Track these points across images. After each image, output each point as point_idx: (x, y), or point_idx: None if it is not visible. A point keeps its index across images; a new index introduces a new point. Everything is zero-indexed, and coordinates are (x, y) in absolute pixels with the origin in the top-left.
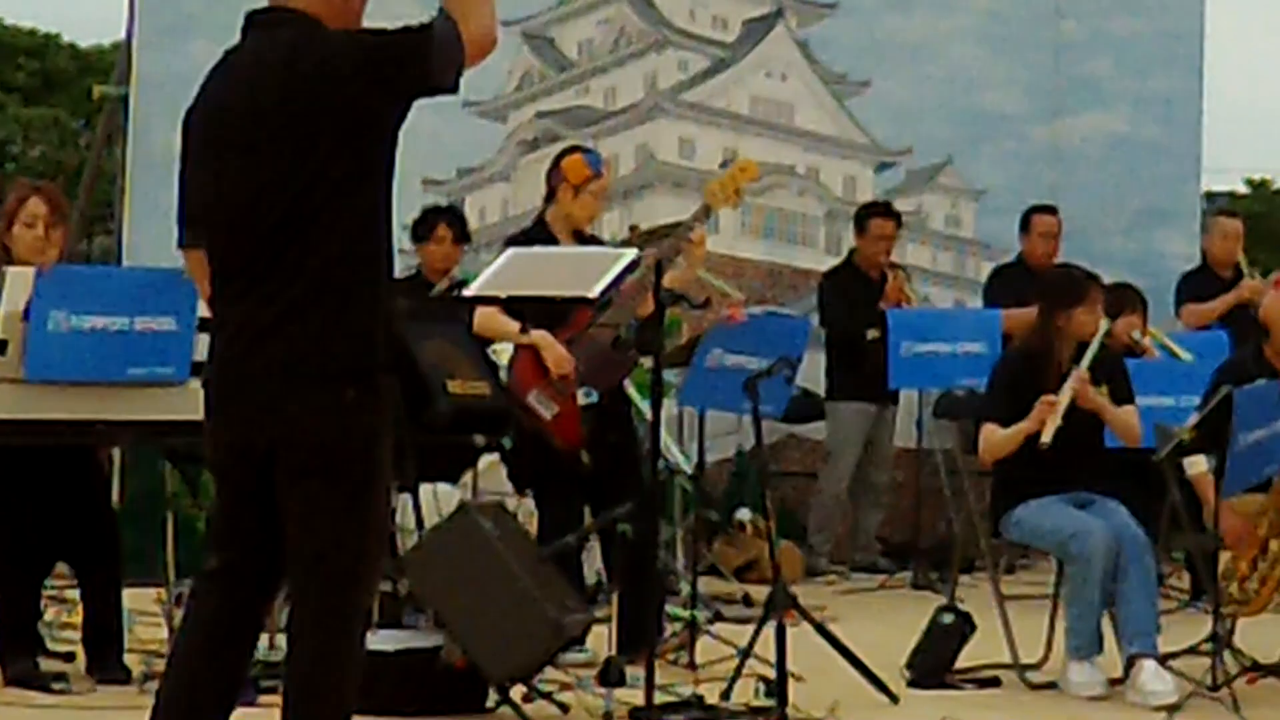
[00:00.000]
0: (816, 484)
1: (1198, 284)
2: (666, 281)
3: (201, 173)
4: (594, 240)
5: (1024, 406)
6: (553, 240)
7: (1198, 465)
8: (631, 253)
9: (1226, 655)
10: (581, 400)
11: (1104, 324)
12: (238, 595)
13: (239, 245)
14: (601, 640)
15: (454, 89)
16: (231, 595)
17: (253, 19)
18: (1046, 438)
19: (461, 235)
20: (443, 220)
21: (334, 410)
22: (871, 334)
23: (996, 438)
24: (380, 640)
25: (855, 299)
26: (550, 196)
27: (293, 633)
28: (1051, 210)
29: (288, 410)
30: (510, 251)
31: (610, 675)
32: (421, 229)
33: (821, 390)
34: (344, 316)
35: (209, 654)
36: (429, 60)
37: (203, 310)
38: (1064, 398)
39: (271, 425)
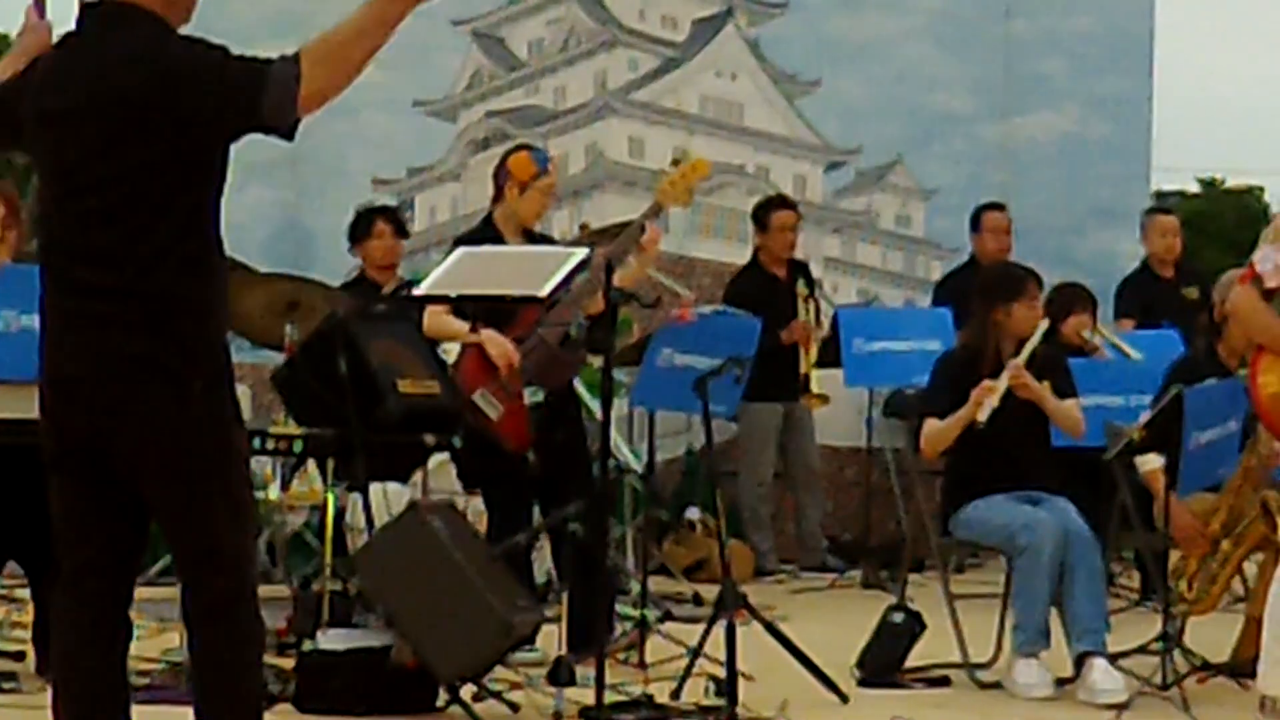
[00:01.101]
0: (739, 485)
1: (1138, 288)
2: (616, 280)
3: (39, 161)
4: (543, 239)
5: (963, 401)
6: (500, 239)
7: (1150, 462)
8: (582, 252)
9: (1176, 654)
10: (528, 399)
11: (1044, 321)
12: (100, 595)
13: (71, 235)
14: (551, 639)
15: (287, 135)
16: (94, 596)
17: (91, 10)
18: (982, 415)
19: (400, 231)
20: (380, 217)
21: (184, 403)
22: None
23: (936, 429)
24: (330, 639)
25: (762, 298)
26: (498, 195)
27: (195, 623)
28: (1001, 208)
29: (139, 408)
30: (460, 251)
31: (560, 674)
32: (359, 229)
33: None
34: (188, 304)
35: (88, 659)
36: (258, 101)
37: None
38: (1001, 383)
39: (117, 421)
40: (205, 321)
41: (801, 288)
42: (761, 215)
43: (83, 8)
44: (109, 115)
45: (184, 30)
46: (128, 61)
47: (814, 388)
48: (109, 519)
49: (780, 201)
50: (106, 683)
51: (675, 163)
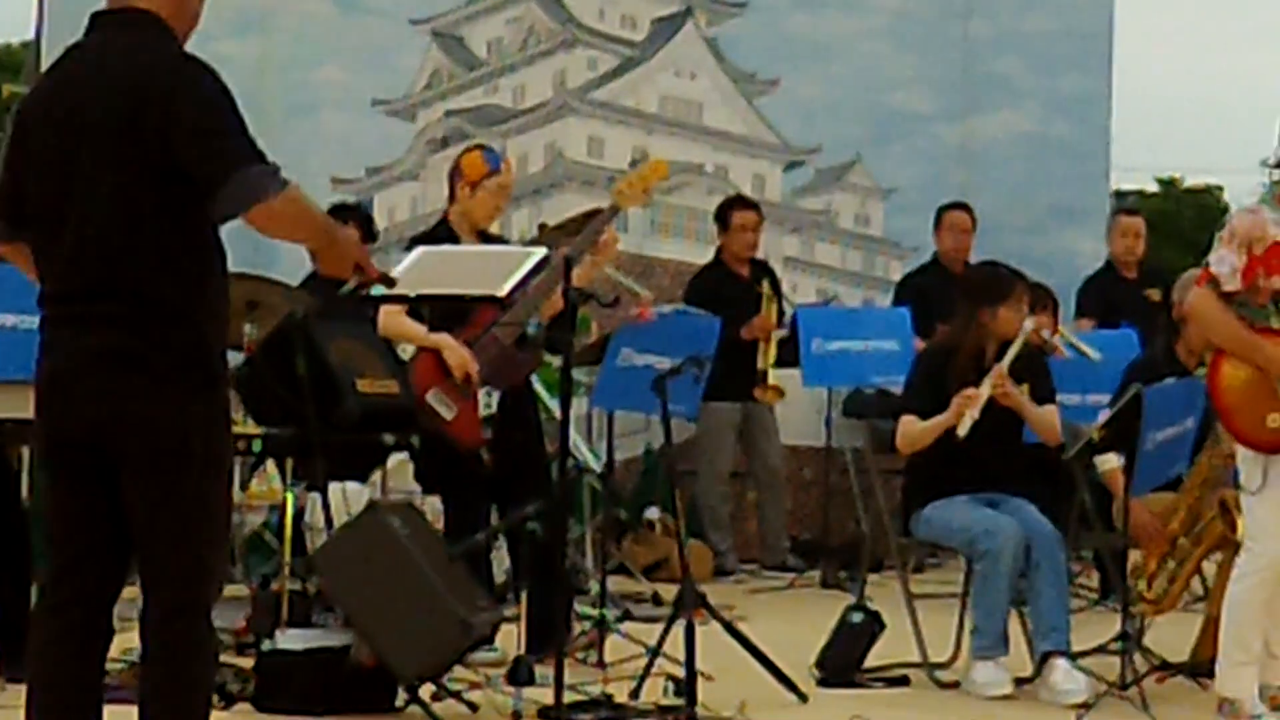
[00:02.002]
0: (698, 484)
1: (1101, 288)
2: (574, 279)
3: (35, 163)
4: (498, 240)
5: (944, 401)
6: (455, 239)
7: (1109, 461)
8: (540, 251)
9: (1136, 654)
10: (483, 399)
11: (1028, 323)
12: (84, 597)
13: (68, 234)
14: (510, 639)
15: (219, 220)
16: (78, 598)
17: (99, 19)
18: (962, 431)
19: (368, 234)
20: (349, 217)
21: (167, 402)
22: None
23: (915, 430)
24: (289, 639)
25: (725, 296)
26: (452, 196)
27: (147, 628)
28: (964, 207)
29: (127, 403)
30: (419, 250)
31: (519, 674)
32: None
33: None
34: (176, 307)
35: (66, 659)
36: (218, 187)
37: None
38: (983, 392)
39: (104, 416)
40: (201, 326)
41: (766, 288)
42: (723, 215)
43: (92, 16)
44: (110, 123)
45: None
46: (133, 71)
47: (771, 380)
48: (98, 521)
49: (741, 201)
50: (83, 684)
51: (634, 163)
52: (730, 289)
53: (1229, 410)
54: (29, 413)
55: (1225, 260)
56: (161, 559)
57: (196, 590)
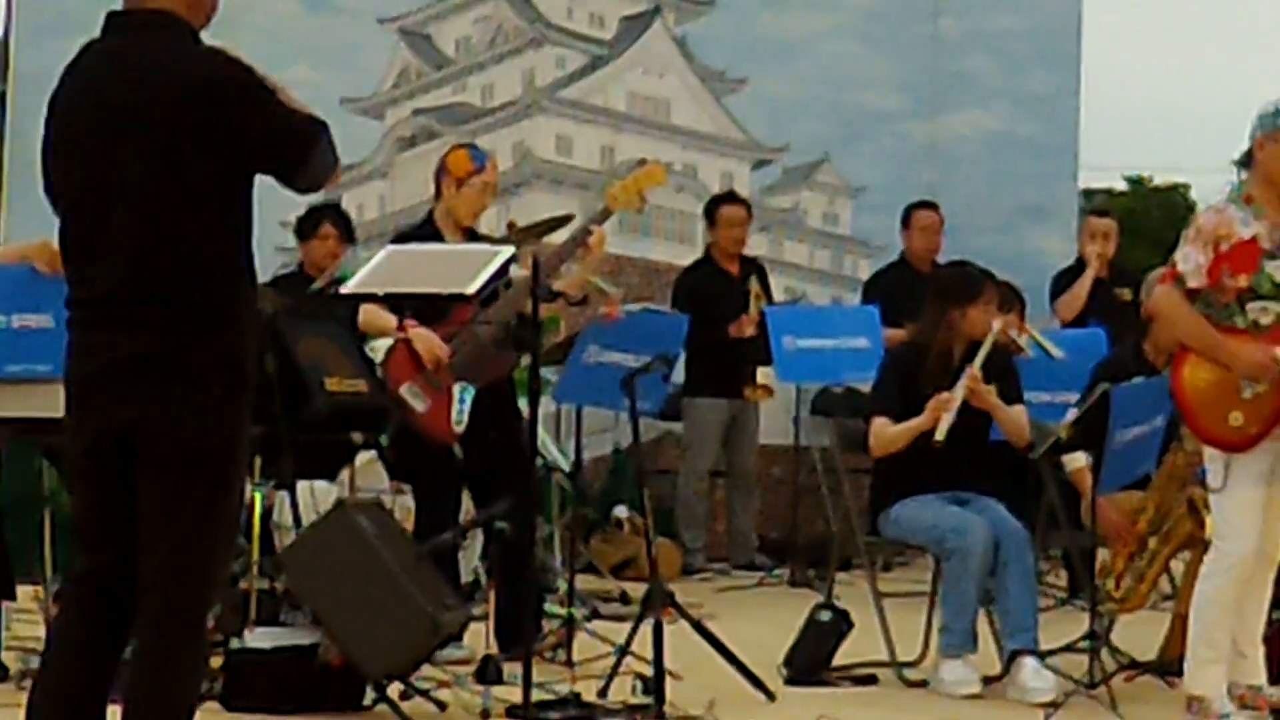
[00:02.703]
0: (678, 481)
1: (1071, 282)
2: (560, 285)
3: (71, 163)
4: (482, 238)
5: (913, 402)
6: (439, 237)
7: (1077, 460)
8: (508, 250)
9: (1104, 653)
10: (457, 394)
11: (997, 323)
12: (108, 596)
13: (105, 235)
14: (479, 637)
15: (302, 191)
16: (102, 596)
17: (116, 20)
18: (940, 435)
19: (347, 234)
20: (328, 219)
21: (198, 404)
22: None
23: (889, 433)
24: (258, 638)
25: (714, 293)
26: (437, 193)
27: (140, 625)
28: (932, 206)
29: (151, 402)
30: (388, 248)
31: (488, 673)
32: (306, 226)
33: None
34: (211, 312)
35: (81, 657)
36: (306, 157)
37: None
38: (957, 394)
39: (135, 416)
40: (227, 329)
41: (755, 285)
42: (711, 211)
43: (109, 15)
44: (155, 128)
45: None
46: (160, 70)
47: (760, 379)
48: (124, 524)
49: (730, 197)
50: (99, 681)
51: (633, 167)
52: (719, 286)
53: (1192, 408)
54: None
55: (1190, 258)
56: (165, 558)
57: (196, 594)
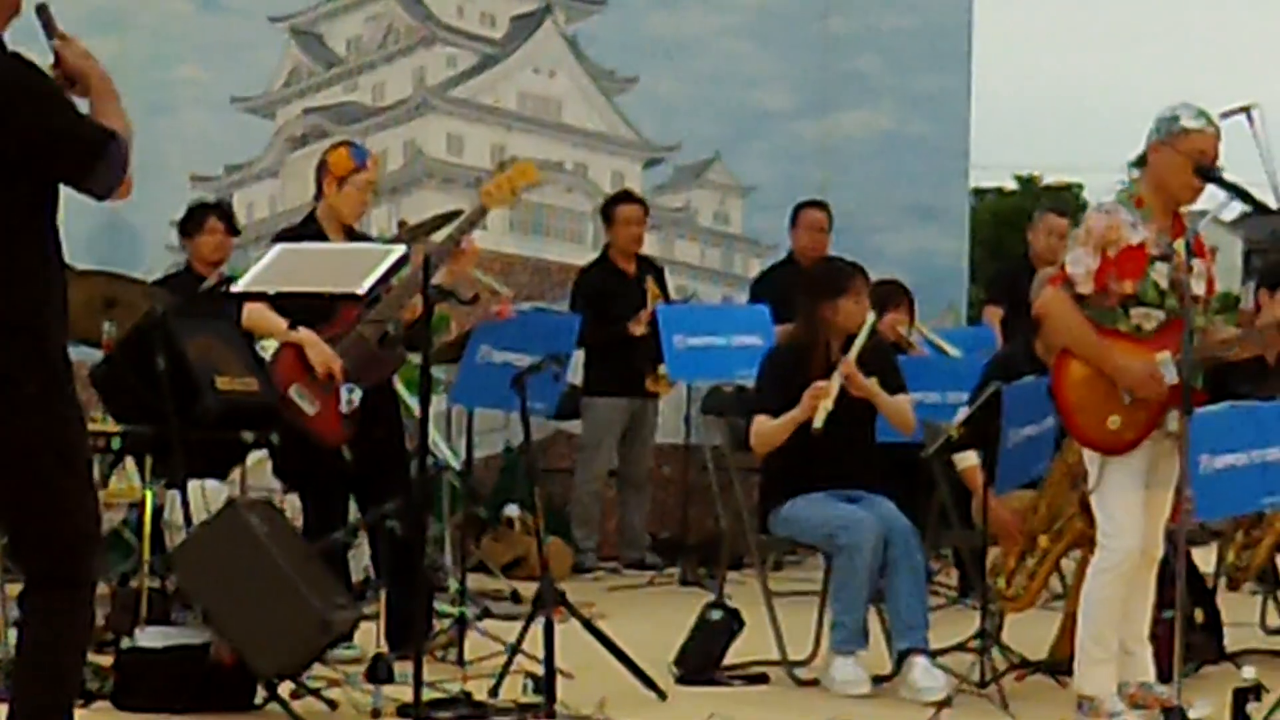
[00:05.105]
0: (573, 479)
1: (1013, 277)
2: (435, 279)
3: None
4: (364, 237)
5: (793, 398)
6: (321, 236)
7: (967, 459)
8: (400, 249)
9: (995, 651)
10: (345, 397)
11: (871, 315)
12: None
13: None
14: (370, 637)
15: (100, 198)
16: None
17: None
18: (818, 423)
19: (231, 229)
20: (212, 214)
21: (15, 404)
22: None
23: (768, 428)
24: (149, 637)
25: (612, 292)
26: (319, 192)
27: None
28: (821, 205)
29: None
30: (279, 247)
31: (379, 672)
32: (191, 223)
33: None
34: (11, 323)
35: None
36: (94, 166)
37: None
38: (834, 384)
39: None
40: (40, 330)
41: (652, 284)
42: (608, 210)
43: None
44: None
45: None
46: None
47: (661, 371)
48: None
49: (626, 196)
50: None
51: (502, 165)
52: (617, 285)
53: (1071, 409)
54: None
55: (1080, 262)
56: (30, 545)
57: (68, 566)
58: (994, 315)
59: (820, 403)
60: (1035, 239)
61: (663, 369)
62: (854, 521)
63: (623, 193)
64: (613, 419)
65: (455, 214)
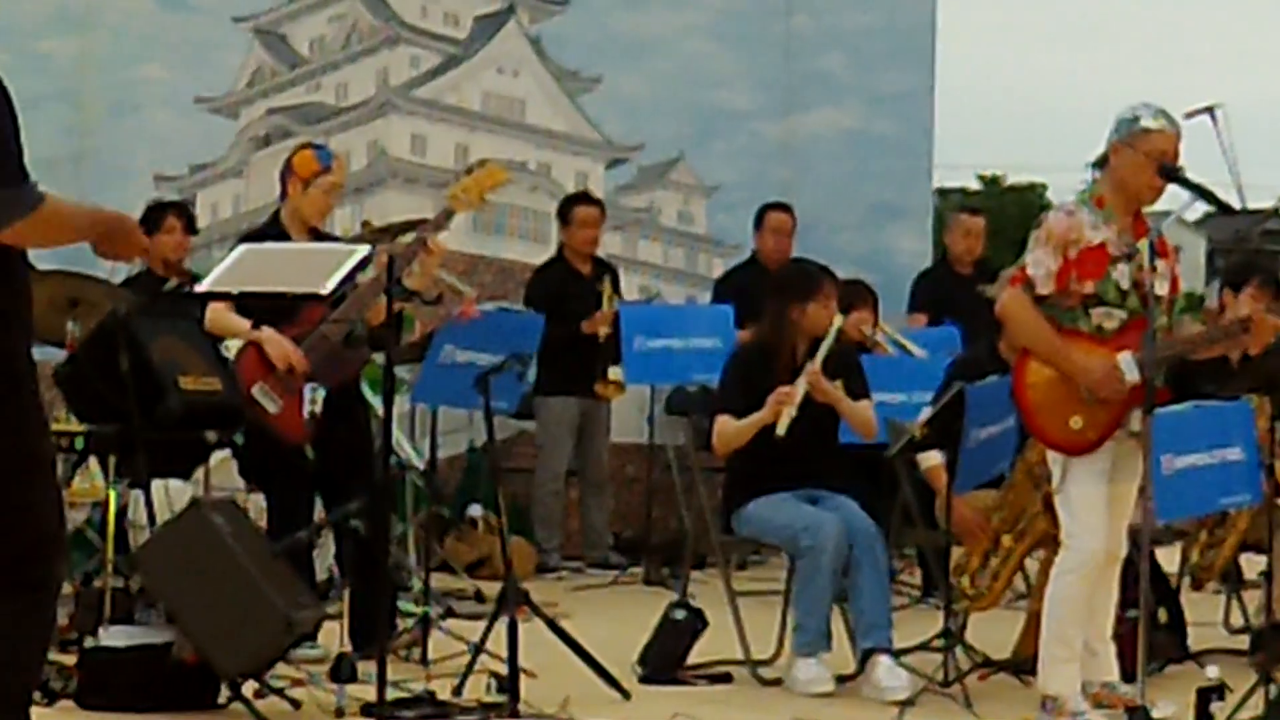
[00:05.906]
0: (533, 479)
1: (934, 284)
2: (405, 281)
3: None
4: (329, 238)
5: (757, 400)
6: (286, 237)
7: (931, 459)
8: (364, 249)
9: (958, 651)
10: (309, 396)
11: (838, 319)
12: None
13: None
14: (333, 636)
15: None
16: None
17: None
18: (781, 429)
19: (189, 227)
20: (171, 212)
21: None
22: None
23: (730, 429)
24: (112, 636)
25: (566, 293)
26: (283, 193)
27: None
28: (785, 207)
29: None
30: (243, 247)
31: (342, 671)
32: (149, 222)
33: None
34: None
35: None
36: None
37: None
38: (798, 389)
39: None
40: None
41: (607, 286)
42: (565, 211)
43: None
44: None
45: None
46: None
47: (611, 376)
48: None
49: (583, 197)
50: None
51: (470, 169)
52: (572, 286)
53: (1032, 409)
54: None
55: (1041, 263)
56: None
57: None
58: (918, 324)
59: (784, 408)
60: (953, 241)
61: (613, 374)
62: (816, 524)
63: (580, 194)
64: (565, 418)
65: (421, 221)
